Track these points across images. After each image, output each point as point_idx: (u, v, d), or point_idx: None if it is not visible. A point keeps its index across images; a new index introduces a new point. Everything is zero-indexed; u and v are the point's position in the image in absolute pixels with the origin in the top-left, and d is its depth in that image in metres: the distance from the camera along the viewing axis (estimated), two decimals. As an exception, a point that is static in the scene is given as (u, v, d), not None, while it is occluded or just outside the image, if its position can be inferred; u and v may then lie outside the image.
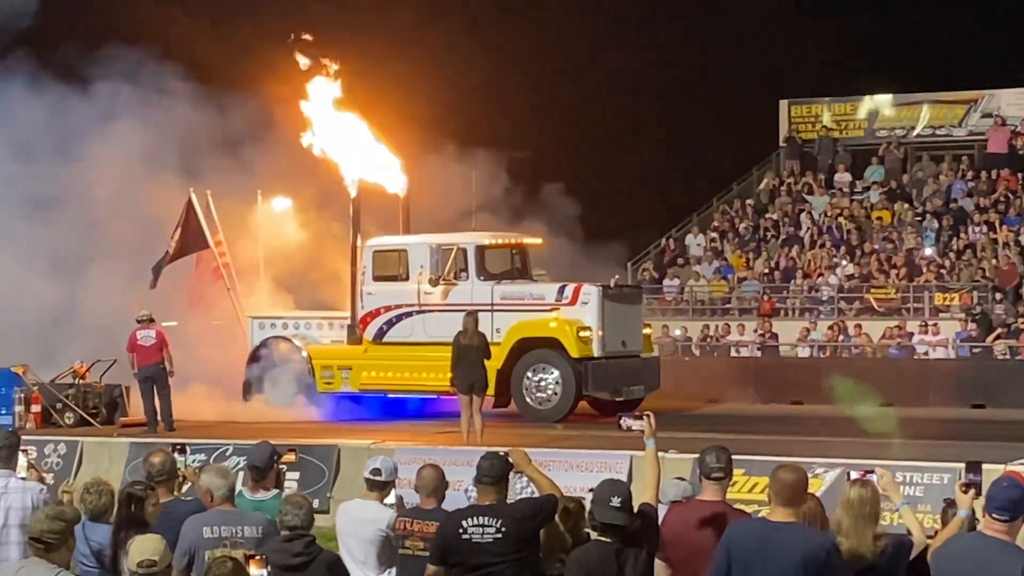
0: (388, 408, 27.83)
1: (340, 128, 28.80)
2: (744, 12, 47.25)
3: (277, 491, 11.61)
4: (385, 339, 27.39)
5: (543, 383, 25.82)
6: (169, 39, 33.52)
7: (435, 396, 26.65)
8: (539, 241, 28.66)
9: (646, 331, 27.76)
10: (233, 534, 10.10)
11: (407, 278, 27.09)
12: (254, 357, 28.33)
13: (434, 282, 26.68)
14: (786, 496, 8.82)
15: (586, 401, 26.49)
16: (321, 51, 29.26)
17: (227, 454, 21.42)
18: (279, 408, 27.40)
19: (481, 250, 27.07)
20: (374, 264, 27.53)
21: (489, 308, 25.92)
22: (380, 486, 11.37)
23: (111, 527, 10.29)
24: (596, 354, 25.85)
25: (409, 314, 27.14)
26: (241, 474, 18.34)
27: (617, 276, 28.41)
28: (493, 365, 24.36)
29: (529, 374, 25.87)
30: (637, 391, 26.56)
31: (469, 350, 22.98)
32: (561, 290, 26.43)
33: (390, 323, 27.36)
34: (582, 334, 25.76)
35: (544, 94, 43.73)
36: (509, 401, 26.12)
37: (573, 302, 26.16)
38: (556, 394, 25.76)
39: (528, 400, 25.88)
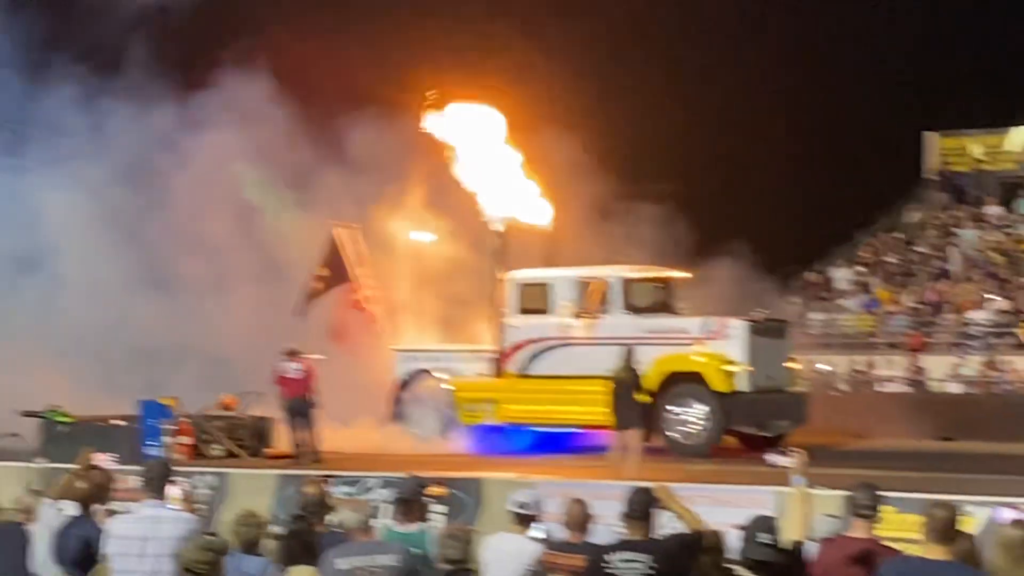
0: (532, 441, 27.81)
1: (484, 158, 28.89)
2: (886, 42, 46.76)
3: (423, 524, 11.63)
4: (529, 372, 27.39)
5: (688, 417, 25.62)
6: (303, 63, 33.59)
7: (580, 430, 26.58)
8: (685, 275, 28.43)
9: (793, 365, 27.50)
10: (366, 565, 10.12)
11: (551, 311, 27.08)
12: (398, 390, 28.48)
13: (579, 315, 26.65)
14: (942, 534, 8.70)
15: (732, 435, 26.28)
16: (464, 79, 29.42)
17: (373, 486, 21.46)
18: (423, 440, 27.49)
19: (626, 283, 26.99)
20: (518, 297, 27.56)
21: (634, 342, 25.78)
22: (525, 519, 11.34)
23: (263, 559, 10.35)
24: (741, 388, 25.61)
25: (553, 347, 27.13)
26: (387, 506, 18.49)
27: (764, 310, 27.99)
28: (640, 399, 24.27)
29: (674, 408, 25.68)
30: (783, 426, 26.31)
31: (622, 384, 22.95)
32: (706, 324, 26.25)
33: (534, 356, 27.37)
34: (727, 368, 25.56)
35: (683, 125, 43.50)
36: (655, 435, 25.96)
37: (718, 336, 25.98)
38: (701, 428, 25.55)
39: (673, 434, 25.67)
